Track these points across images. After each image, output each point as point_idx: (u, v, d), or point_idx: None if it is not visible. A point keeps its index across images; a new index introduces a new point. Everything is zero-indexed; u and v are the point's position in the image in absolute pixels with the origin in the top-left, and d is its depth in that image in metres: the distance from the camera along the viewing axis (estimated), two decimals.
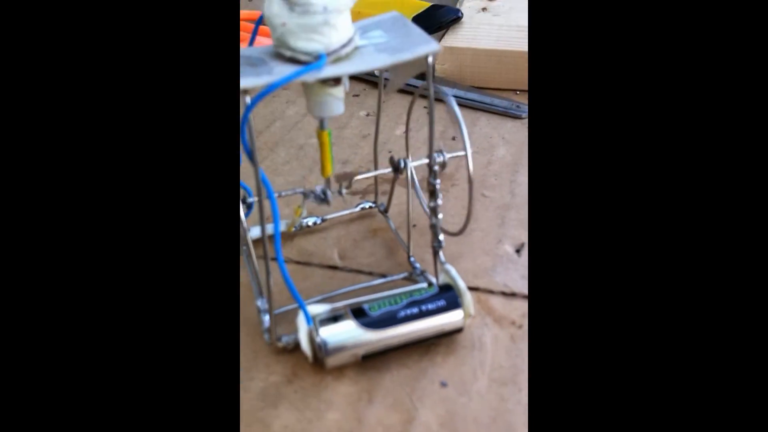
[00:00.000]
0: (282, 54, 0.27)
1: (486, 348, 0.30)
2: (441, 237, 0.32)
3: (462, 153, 0.31)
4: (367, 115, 0.50)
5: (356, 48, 0.28)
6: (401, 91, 0.51)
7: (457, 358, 0.29)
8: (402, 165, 0.34)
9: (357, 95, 0.53)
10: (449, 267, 0.31)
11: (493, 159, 0.44)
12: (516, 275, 0.34)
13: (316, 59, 0.26)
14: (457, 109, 0.30)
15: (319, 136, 0.31)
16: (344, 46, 0.27)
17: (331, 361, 0.28)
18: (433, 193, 0.31)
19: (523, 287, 0.33)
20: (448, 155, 0.32)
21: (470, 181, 0.30)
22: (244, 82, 0.26)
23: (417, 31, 0.29)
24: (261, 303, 0.32)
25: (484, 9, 0.57)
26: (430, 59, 0.28)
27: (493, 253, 0.35)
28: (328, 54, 0.27)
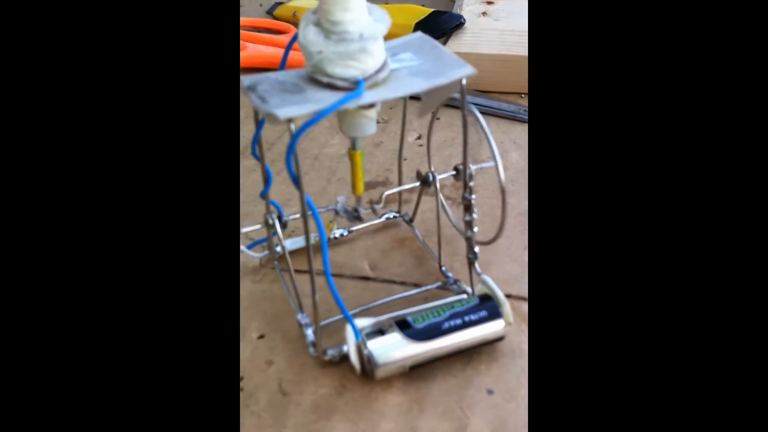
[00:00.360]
0: (318, 80, 0.28)
1: (525, 354, 0.31)
2: (476, 249, 0.33)
3: (490, 164, 0.32)
4: (377, 122, 0.51)
5: (391, 72, 0.29)
6: (412, 97, 0.52)
7: (500, 366, 0.31)
8: (430, 178, 0.35)
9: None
10: (486, 278, 0.32)
11: (508, 165, 0.45)
12: None
13: (353, 85, 0.27)
14: (485, 123, 0.31)
15: (351, 156, 0.32)
16: (379, 71, 0.28)
17: (380, 373, 0.29)
18: (468, 208, 0.32)
19: None
20: (474, 167, 0.33)
21: (503, 192, 0.31)
22: (288, 112, 0.26)
23: (447, 53, 0.30)
24: (302, 317, 0.33)
25: (483, 14, 0.58)
26: (464, 82, 0.29)
27: (520, 260, 0.37)
28: (365, 79, 0.27)
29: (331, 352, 0.31)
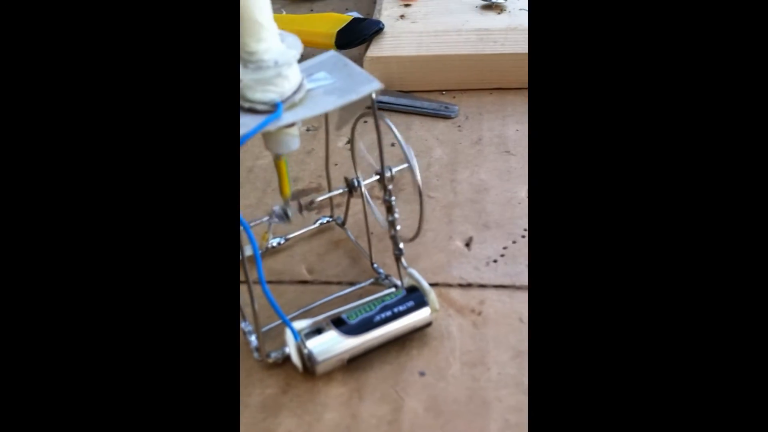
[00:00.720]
0: (240, 105, 0.30)
1: (453, 336, 0.34)
2: (401, 245, 0.36)
3: (406, 165, 0.35)
4: (308, 130, 0.53)
5: (307, 92, 0.31)
6: None
7: (431, 349, 0.33)
8: (356, 184, 0.38)
9: None
10: (412, 270, 0.35)
11: (432, 161, 0.48)
12: (469, 267, 0.38)
13: (272, 108, 0.29)
14: (396, 130, 0.33)
15: (277, 165, 0.34)
16: (296, 92, 0.30)
17: (321, 369, 0.32)
18: (390, 209, 0.35)
19: (476, 277, 0.38)
20: (395, 169, 0.36)
21: (420, 194, 0.34)
22: None
23: (357, 70, 0.33)
24: (245, 325, 0.35)
25: (401, 17, 0.61)
26: (373, 95, 0.32)
27: (446, 249, 0.40)
28: (284, 101, 0.30)
29: (274, 355, 0.33)
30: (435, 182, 0.46)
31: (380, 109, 0.55)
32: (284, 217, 0.36)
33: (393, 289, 0.35)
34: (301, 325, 0.33)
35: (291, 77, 0.30)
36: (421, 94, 0.56)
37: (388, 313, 0.33)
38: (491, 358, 0.33)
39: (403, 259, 0.36)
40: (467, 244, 0.40)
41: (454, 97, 0.56)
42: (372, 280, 0.38)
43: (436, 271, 0.38)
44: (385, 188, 0.35)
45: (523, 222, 0.41)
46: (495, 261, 0.39)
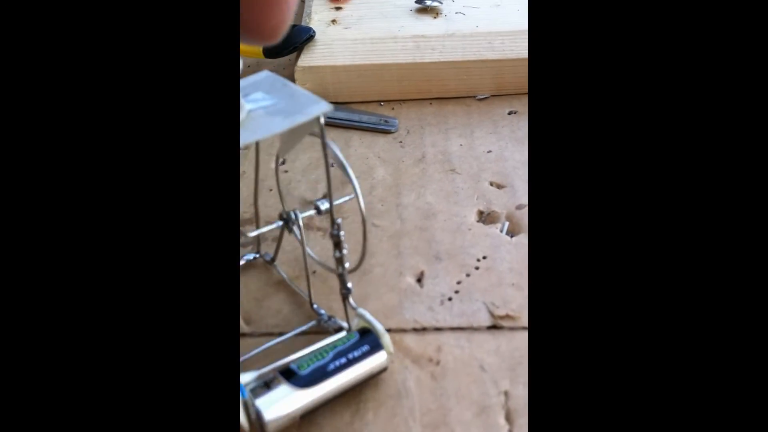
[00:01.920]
0: None
1: (411, 393, 0.31)
2: (349, 284, 0.32)
3: (351, 197, 0.31)
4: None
5: (248, 113, 0.28)
6: None
7: (387, 410, 0.30)
8: (293, 217, 0.34)
9: None
10: (362, 311, 0.32)
11: (375, 183, 0.45)
12: (422, 308, 0.35)
13: None
14: (344, 159, 0.30)
15: None
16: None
17: (272, 429, 0.28)
18: (338, 244, 0.32)
19: (431, 319, 0.35)
20: (342, 200, 0.33)
21: (364, 223, 0.31)
22: None
23: (300, 90, 0.30)
24: None
25: (333, 21, 0.57)
26: (321, 120, 0.29)
27: (396, 288, 0.37)
28: None
29: None
30: (380, 208, 0.42)
31: (341, 126, 0.51)
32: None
33: (343, 333, 0.32)
34: (245, 378, 0.29)
35: None
36: (358, 106, 0.53)
37: (343, 360, 0.30)
38: (453, 417, 0.30)
39: (351, 299, 0.33)
40: (419, 280, 0.37)
41: (393, 109, 0.53)
42: (314, 323, 0.34)
43: (388, 314, 0.35)
44: (332, 221, 0.32)
45: (475, 251, 0.39)
46: (450, 299, 0.36)
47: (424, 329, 0.34)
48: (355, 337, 0.31)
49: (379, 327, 0.31)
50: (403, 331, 0.34)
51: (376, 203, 0.43)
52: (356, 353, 0.30)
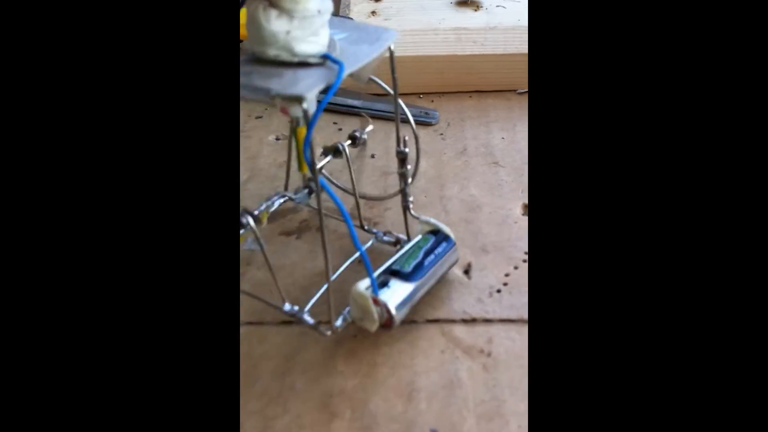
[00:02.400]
0: (286, 61, 0.28)
1: (464, 384, 0.31)
2: (411, 198, 0.37)
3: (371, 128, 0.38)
4: (277, 139, 0.48)
5: (338, 43, 0.30)
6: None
7: (440, 401, 0.30)
8: (340, 148, 0.37)
9: (260, 117, 0.51)
10: (425, 217, 0.36)
11: (418, 174, 0.44)
12: (471, 299, 0.35)
13: (322, 59, 0.28)
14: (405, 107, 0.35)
15: (296, 134, 0.31)
16: (331, 44, 0.29)
17: (399, 318, 0.32)
18: (402, 161, 0.35)
19: (480, 311, 0.34)
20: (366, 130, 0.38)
21: (415, 133, 0.36)
22: (299, 89, 0.26)
23: (363, 24, 0.32)
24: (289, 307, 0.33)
25: (373, 12, 0.57)
26: (392, 47, 0.31)
27: (444, 278, 0.36)
28: (332, 53, 0.29)
29: (339, 324, 0.32)
30: (424, 199, 0.42)
31: (357, 114, 0.51)
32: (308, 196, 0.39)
33: (420, 237, 0.35)
34: (365, 283, 0.32)
35: (327, 28, 0.29)
36: (400, 98, 0.52)
37: (432, 257, 0.34)
38: (508, 408, 0.30)
39: (411, 209, 0.37)
40: (466, 272, 0.37)
41: (432, 101, 0.53)
42: (372, 240, 0.38)
43: (436, 305, 0.35)
44: (398, 139, 0.35)
45: (523, 245, 0.38)
46: (498, 291, 0.36)
47: (473, 320, 0.34)
48: (432, 238, 0.35)
49: (445, 227, 0.35)
50: (452, 321, 0.34)
51: (420, 194, 0.42)
52: (439, 249, 0.35)
